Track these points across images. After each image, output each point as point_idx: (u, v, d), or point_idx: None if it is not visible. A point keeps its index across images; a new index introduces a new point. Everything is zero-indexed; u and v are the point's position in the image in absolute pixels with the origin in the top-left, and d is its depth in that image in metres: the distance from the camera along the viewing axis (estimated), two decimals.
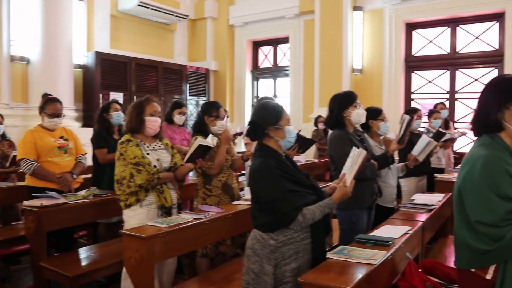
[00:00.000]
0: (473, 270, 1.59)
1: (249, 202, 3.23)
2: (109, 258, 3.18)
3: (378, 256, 2.05)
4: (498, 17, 7.18)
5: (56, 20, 6.52)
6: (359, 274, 1.87)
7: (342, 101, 3.11)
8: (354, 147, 2.39)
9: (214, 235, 2.99)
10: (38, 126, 3.72)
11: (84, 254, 3.38)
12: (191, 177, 4.30)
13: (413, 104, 8.05)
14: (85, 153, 3.91)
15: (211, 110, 3.45)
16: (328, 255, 2.08)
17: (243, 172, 4.77)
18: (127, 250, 2.51)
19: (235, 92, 9.94)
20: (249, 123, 2.24)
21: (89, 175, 4.24)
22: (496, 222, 1.46)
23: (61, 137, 3.73)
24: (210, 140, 3.06)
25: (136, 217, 2.84)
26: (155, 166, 2.88)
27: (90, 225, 4.27)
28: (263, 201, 2.11)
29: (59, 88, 6.20)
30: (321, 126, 7.28)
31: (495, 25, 7.30)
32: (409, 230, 2.53)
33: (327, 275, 1.86)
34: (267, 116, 2.19)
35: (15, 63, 6.61)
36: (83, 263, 3.19)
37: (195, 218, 2.79)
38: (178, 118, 4.63)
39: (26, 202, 3.23)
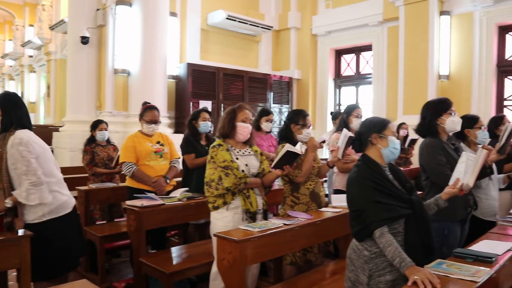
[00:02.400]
0: None
1: (336, 210, 3.26)
2: (200, 258, 3.36)
3: (481, 273, 1.95)
4: None
5: (153, 35, 7.04)
6: None
7: (436, 108, 3.02)
8: (464, 152, 2.34)
9: (303, 242, 3.02)
10: (138, 131, 4.02)
11: (177, 253, 3.59)
12: (277, 182, 4.38)
13: (506, 112, 7.52)
14: (179, 157, 4.15)
15: (298, 118, 3.49)
16: (426, 268, 2.01)
17: (325, 179, 4.77)
18: (220, 252, 2.60)
19: (317, 100, 9.97)
20: (356, 134, 2.34)
21: (179, 179, 4.48)
22: None
23: (158, 142, 3.99)
24: (299, 148, 3.11)
25: (222, 220, 2.97)
26: (243, 171, 2.98)
27: (181, 225, 4.51)
28: (353, 209, 2.16)
29: (155, 97, 6.63)
30: (402, 133, 7.03)
31: None
32: None
33: None
34: (372, 125, 2.27)
35: (117, 75, 7.26)
36: (177, 261, 3.40)
37: (285, 224, 2.84)
38: (265, 125, 4.75)
39: (128, 202, 3.50)
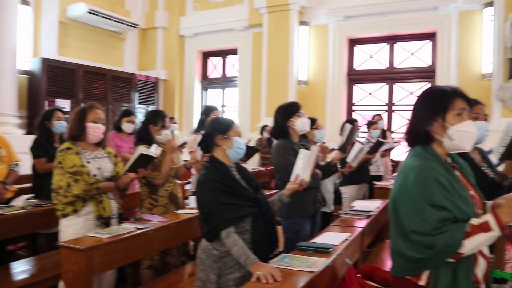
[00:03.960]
0: (408, 277, 1.62)
1: (193, 211, 3.26)
2: (47, 271, 3.06)
3: (319, 263, 2.11)
4: (431, 36, 7.69)
5: (0, 24, 6.28)
6: (301, 282, 1.91)
7: (287, 111, 3.20)
8: (302, 149, 2.49)
9: (158, 245, 2.96)
10: None
11: (20, 267, 3.22)
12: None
13: (354, 115, 8.41)
14: (18, 161, 3.74)
15: (157, 119, 3.42)
16: (270, 263, 2.11)
17: (189, 180, 4.76)
18: (65, 263, 2.42)
19: (184, 101, 9.94)
20: (202, 135, 2.34)
21: (26, 185, 4.08)
22: (428, 230, 1.50)
23: None
24: (154, 150, 3.03)
25: (73, 227, 2.76)
26: (95, 175, 2.81)
27: (29, 236, 4.07)
28: (202, 211, 2.19)
29: (1, 93, 5.98)
30: (265, 135, 7.39)
31: (428, 44, 7.81)
32: (349, 237, 2.64)
33: (268, 284, 1.89)
34: (217, 126, 2.29)
35: None
36: (19, 277, 3.04)
37: (138, 228, 2.75)
38: (126, 127, 4.57)
39: None
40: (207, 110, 4.36)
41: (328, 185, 3.60)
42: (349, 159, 3.67)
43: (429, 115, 1.64)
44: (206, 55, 10.04)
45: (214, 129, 2.29)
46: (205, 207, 2.17)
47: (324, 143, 3.71)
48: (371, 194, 4.81)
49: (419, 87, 7.90)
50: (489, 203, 1.68)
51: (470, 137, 1.61)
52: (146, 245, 2.80)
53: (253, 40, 8.98)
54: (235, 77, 9.52)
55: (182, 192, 3.82)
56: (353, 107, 8.49)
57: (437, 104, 1.64)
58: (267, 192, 2.75)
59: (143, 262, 3.24)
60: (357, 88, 8.46)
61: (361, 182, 4.71)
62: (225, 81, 9.83)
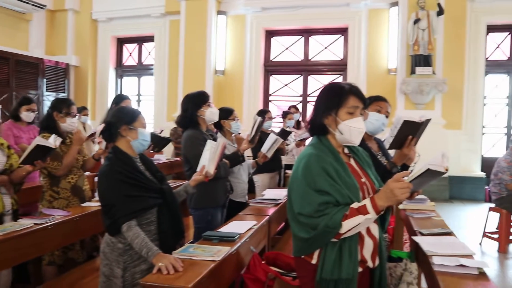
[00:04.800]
0: (303, 256, 1.74)
1: (99, 204, 3.13)
2: None
3: (222, 252, 2.14)
4: (343, 31, 8.08)
5: None
6: (202, 271, 1.92)
7: (196, 101, 3.17)
8: (209, 140, 2.49)
9: (60, 241, 2.81)
10: None
11: None
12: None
13: (270, 106, 8.61)
14: None
15: (61, 106, 3.24)
16: (174, 254, 2.10)
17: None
18: None
19: (97, 89, 9.51)
20: (105, 123, 2.23)
21: None
22: (311, 213, 1.63)
23: None
24: (52, 141, 2.84)
25: None
26: None
27: None
28: (103, 204, 2.12)
29: None
30: None
31: (341, 38, 8.19)
32: (255, 225, 2.70)
33: (170, 275, 1.87)
34: (122, 116, 2.21)
35: None
36: None
37: (36, 224, 2.59)
38: (26, 115, 4.25)
39: None
40: (118, 99, 4.20)
41: (243, 175, 3.64)
42: (264, 149, 3.74)
43: (325, 109, 1.75)
44: (121, 42, 9.68)
45: (118, 119, 2.20)
46: (106, 200, 2.10)
47: (239, 133, 3.75)
48: (286, 182, 4.96)
49: (332, 79, 8.27)
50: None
51: (359, 132, 1.74)
52: (45, 242, 2.64)
53: (170, 28, 8.81)
54: (151, 65, 9.29)
55: (91, 184, 3.65)
56: (270, 98, 8.67)
57: (332, 100, 1.75)
58: (181, 183, 2.72)
59: (44, 258, 3.08)
60: (274, 79, 8.65)
61: (273, 170, 4.82)
62: (141, 69, 9.56)
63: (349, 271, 1.64)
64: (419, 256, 2.33)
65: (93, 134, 4.03)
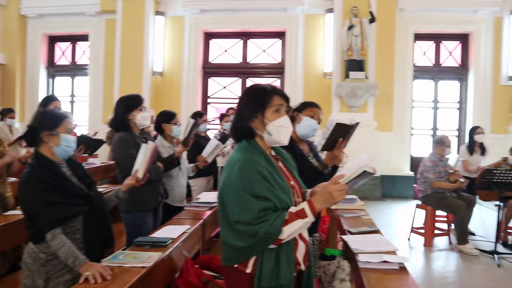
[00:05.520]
0: (235, 265, 1.69)
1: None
2: None
3: (153, 258, 2.09)
4: (281, 35, 8.24)
5: None
6: (132, 278, 1.87)
7: (128, 104, 3.09)
8: (143, 144, 2.44)
9: None
10: None
11: None
12: None
13: (209, 108, 8.60)
14: None
15: None
16: (103, 262, 2.02)
17: None
18: None
19: (26, 89, 9.00)
20: (27, 128, 2.09)
21: None
22: (251, 220, 1.57)
23: None
24: None
25: None
26: None
27: None
28: (25, 212, 2.02)
29: None
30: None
31: (278, 42, 8.34)
32: (188, 229, 2.67)
33: (97, 284, 1.81)
34: (44, 121, 2.08)
35: None
36: None
37: None
38: None
39: None
40: (46, 101, 4.01)
41: (181, 180, 3.58)
42: (205, 153, 3.71)
43: (251, 112, 1.73)
44: (53, 40, 9.23)
45: (40, 123, 2.08)
46: (28, 208, 1.99)
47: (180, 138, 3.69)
48: None
49: (270, 82, 8.39)
50: (308, 191, 1.85)
51: (286, 131, 1.75)
52: None
53: (106, 27, 8.55)
54: (86, 65, 8.95)
55: (14, 191, 3.43)
56: (208, 100, 8.64)
57: (257, 102, 1.74)
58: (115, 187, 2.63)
59: None
60: (212, 81, 8.63)
61: (209, 174, 4.80)
62: (75, 69, 9.18)
63: (286, 277, 1.63)
64: (348, 254, 2.42)
65: (20, 138, 3.83)
